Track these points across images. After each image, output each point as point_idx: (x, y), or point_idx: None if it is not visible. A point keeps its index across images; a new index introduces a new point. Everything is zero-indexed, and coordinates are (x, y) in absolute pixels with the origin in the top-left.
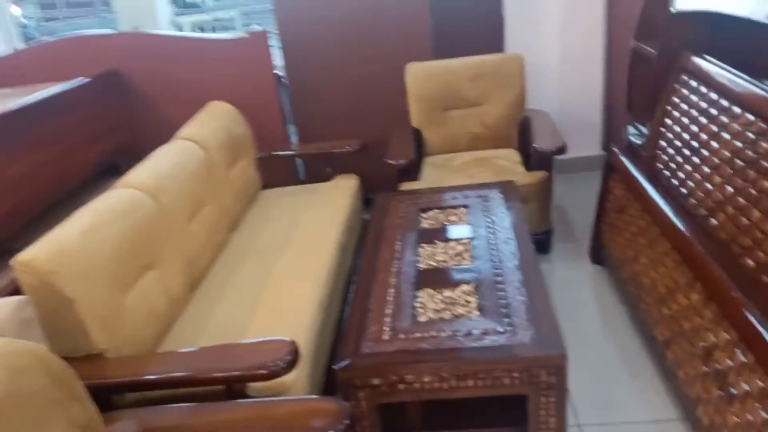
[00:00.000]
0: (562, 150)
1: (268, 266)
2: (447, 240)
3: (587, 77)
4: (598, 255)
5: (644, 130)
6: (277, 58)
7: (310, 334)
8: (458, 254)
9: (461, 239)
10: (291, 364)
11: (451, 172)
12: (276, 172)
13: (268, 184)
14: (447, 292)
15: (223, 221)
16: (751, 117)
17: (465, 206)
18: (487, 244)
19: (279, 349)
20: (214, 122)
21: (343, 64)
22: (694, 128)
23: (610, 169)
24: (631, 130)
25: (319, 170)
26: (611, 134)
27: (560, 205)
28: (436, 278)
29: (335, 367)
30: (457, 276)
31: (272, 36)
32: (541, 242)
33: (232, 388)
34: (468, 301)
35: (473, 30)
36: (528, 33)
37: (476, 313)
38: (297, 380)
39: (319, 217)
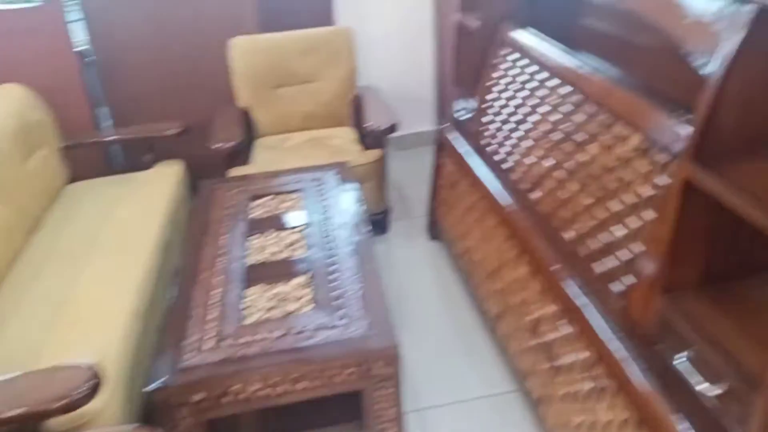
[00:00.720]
0: (393, 128)
1: (73, 273)
2: (280, 229)
3: (418, 52)
4: (435, 231)
5: (472, 104)
6: (81, 32)
7: (123, 351)
8: (291, 244)
9: (295, 227)
10: (92, 392)
11: (285, 153)
12: (87, 163)
13: (78, 176)
14: (279, 288)
15: (18, 223)
16: (568, 88)
17: (299, 191)
18: (322, 231)
19: (75, 376)
20: (1, 108)
21: (160, 39)
22: (517, 101)
23: (441, 146)
24: (459, 105)
25: (140, 158)
26: (443, 110)
27: (397, 183)
28: (268, 273)
29: (146, 389)
30: (290, 268)
31: (71, 5)
32: (378, 222)
33: (24, 429)
34: (301, 296)
35: (302, 2)
36: (358, 6)
37: (309, 307)
38: (106, 408)
39: (136, 211)
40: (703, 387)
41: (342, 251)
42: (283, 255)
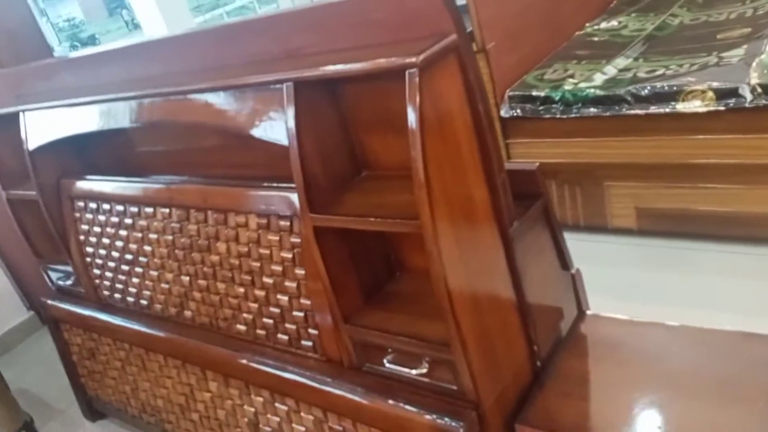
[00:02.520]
0: None
1: None
2: None
3: None
4: (97, 408)
5: (69, 268)
6: None
7: None
8: None
9: None
10: None
11: None
12: None
13: None
14: None
15: None
16: (164, 209)
17: None
18: None
19: None
20: None
21: None
22: (121, 242)
23: (56, 323)
24: (54, 274)
25: None
26: (31, 291)
27: (25, 390)
28: None
29: None
30: None
31: None
32: None
33: None
34: None
35: None
36: None
37: None
38: None
39: None
40: (414, 372)
41: None
42: None
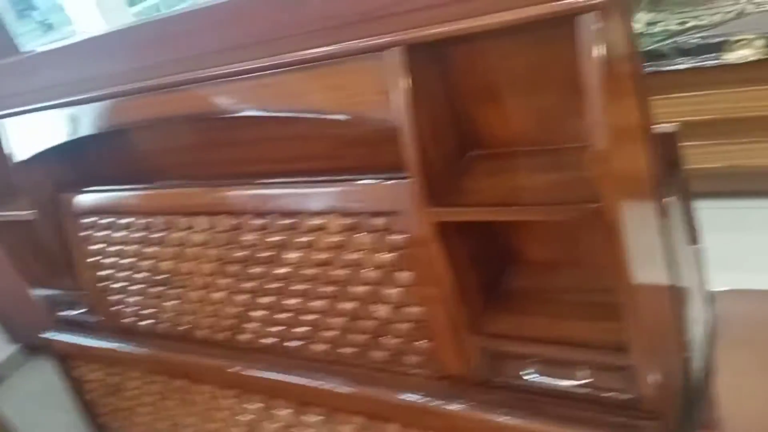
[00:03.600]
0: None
1: None
2: None
3: None
4: None
5: (71, 296)
6: None
7: None
8: None
9: None
10: None
11: None
12: None
13: None
14: None
15: None
16: (205, 220)
17: None
18: None
19: None
20: None
21: None
22: (146, 262)
23: (62, 359)
24: (56, 304)
25: None
26: (21, 325)
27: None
28: None
29: None
30: None
31: None
32: None
33: None
34: None
35: None
36: None
37: None
38: None
39: None
40: (567, 384)
41: None
42: None
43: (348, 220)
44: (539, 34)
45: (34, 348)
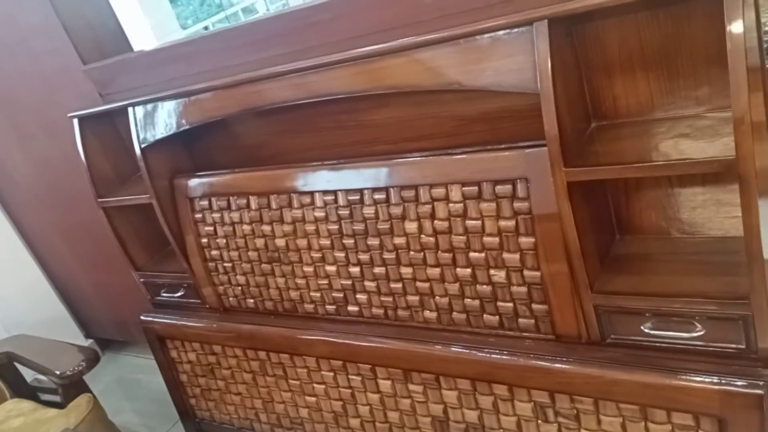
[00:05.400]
0: (96, 357)
1: None
2: None
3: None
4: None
5: (175, 276)
6: None
7: None
8: None
9: None
10: None
11: None
12: None
13: None
14: None
15: None
16: (328, 197)
17: None
18: None
19: None
20: None
21: None
22: (261, 240)
23: (160, 340)
24: (163, 284)
25: None
26: (85, 317)
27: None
28: None
29: None
30: None
31: None
32: None
33: None
34: None
35: None
36: None
37: None
38: None
39: None
40: (687, 336)
41: None
42: None
43: (470, 188)
44: (663, 10)
45: (107, 341)
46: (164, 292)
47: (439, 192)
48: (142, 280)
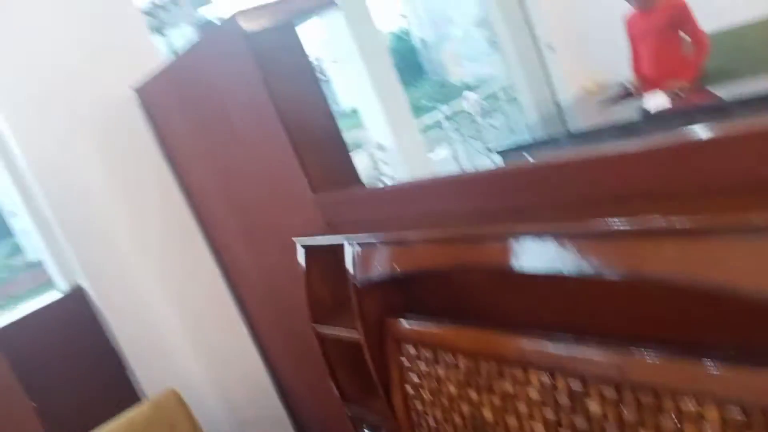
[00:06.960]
0: None
1: None
2: None
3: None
4: None
5: (380, 417)
6: None
7: None
8: None
9: None
10: None
11: None
12: None
13: None
14: None
15: None
16: (544, 379)
17: None
18: None
19: None
20: None
21: None
22: (466, 407)
23: None
24: (366, 420)
25: None
26: (302, 420)
27: None
28: None
29: None
30: None
31: None
32: None
33: None
34: None
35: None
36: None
37: None
38: None
39: None
40: None
41: None
42: None
43: (733, 412)
44: None
45: None
46: (366, 429)
47: (688, 407)
48: (350, 414)
